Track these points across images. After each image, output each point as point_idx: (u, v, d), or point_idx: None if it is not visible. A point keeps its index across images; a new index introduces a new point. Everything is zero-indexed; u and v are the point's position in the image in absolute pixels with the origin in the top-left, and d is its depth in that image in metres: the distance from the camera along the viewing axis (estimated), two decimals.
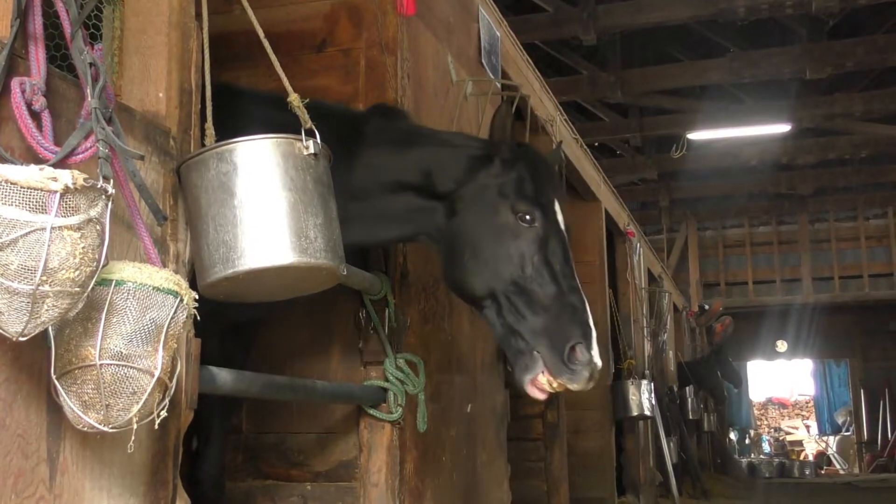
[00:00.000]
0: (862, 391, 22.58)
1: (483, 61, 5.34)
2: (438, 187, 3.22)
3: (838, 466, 23.39)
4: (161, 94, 2.43)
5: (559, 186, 3.38)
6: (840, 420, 24.96)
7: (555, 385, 2.90)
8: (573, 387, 2.87)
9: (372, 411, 3.76)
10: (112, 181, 1.88)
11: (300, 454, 3.96)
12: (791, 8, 11.34)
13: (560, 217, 3.19)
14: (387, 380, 3.77)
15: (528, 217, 3.07)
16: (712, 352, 16.62)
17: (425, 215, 3.27)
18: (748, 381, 25.48)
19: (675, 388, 13.42)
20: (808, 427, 27.28)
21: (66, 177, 1.70)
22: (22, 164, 1.74)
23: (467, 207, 3.15)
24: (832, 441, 24.67)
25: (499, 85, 5.50)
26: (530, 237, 3.05)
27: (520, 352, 2.98)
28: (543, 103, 7.01)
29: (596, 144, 16.38)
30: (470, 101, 4.99)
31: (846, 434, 24.21)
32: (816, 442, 25.68)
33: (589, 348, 2.88)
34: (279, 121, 2.62)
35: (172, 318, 1.96)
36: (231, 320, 3.50)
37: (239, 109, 3.26)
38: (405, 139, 3.39)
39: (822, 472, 22.56)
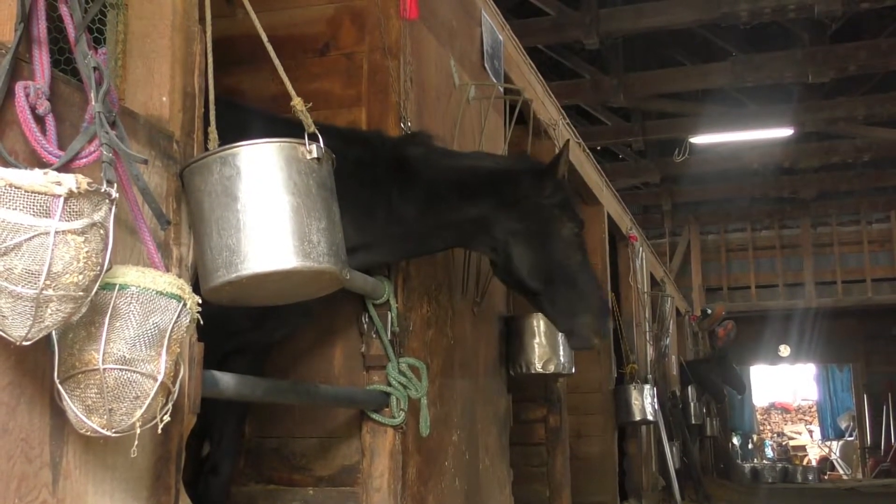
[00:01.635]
0: (865, 396, 22.52)
1: (486, 65, 5.35)
2: (508, 197, 3.79)
3: (841, 471, 23.33)
4: (164, 98, 2.43)
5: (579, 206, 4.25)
6: (843, 425, 24.91)
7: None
8: (598, 345, 4.10)
9: (374, 416, 3.76)
10: (116, 185, 1.88)
11: (302, 459, 3.95)
12: (794, 12, 11.33)
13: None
14: (389, 384, 3.76)
15: (576, 231, 3.90)
16: (714, 352, 16.63)
17: (481, 228, 3.81)
18: (751, 386, 25.45)
19: (678, 391, 13.41)
20: (811, 432, 27.24)
21: (69, 181, 1.70)
22: (26, 168, 1.74)
23: (528, 221, 3.80)
24: (835, 446, 24.61)
25: (501, 89, 5.50)
26: (577, 244, 3.91)
27: (571, 325, 3.90)
28: (546, 107, 7.00)
29: (598, 148, 16.38)
30: (473, 104, 4.99)
31: (849, 439, 24.15)
32: (819, 447, 25.63)
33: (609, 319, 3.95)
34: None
35: (176, 322, 1.96)
36: (255, 341, 3.59)
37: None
38: (468, 157, 4.09)
39: (826, 477, 22.49)
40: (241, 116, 3.41)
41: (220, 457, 3.70)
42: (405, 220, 3.62)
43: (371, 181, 3.56)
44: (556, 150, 7.07)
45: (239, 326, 3.41)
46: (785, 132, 15.60)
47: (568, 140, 4.24)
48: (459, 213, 3.75)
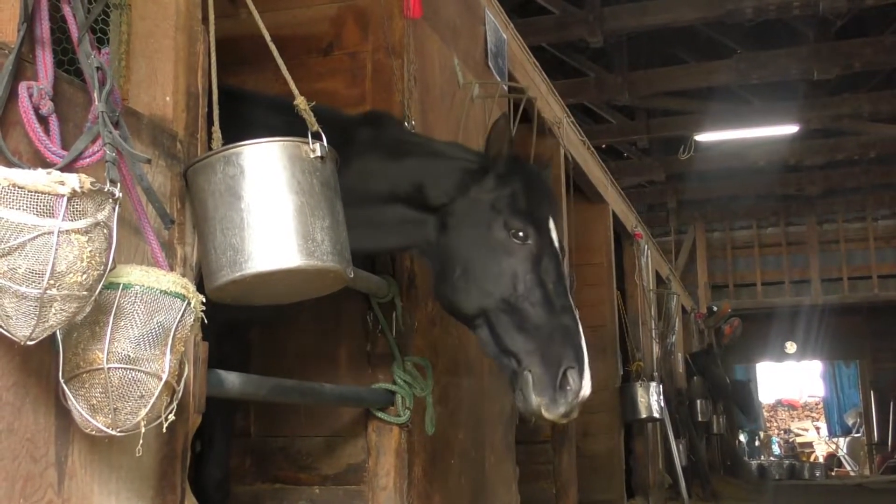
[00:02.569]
0: (872, 392, 22.49)
1: (490, 64, 5.34)
2: (430, 200, 3.16)
3: (849, 468, 23.29)
4: (168, 98, 2.43)
5: (555, 203, 3.32)
6: (850, 421, 24.87)
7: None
8: (549, 415, 2.82)
9: (380, 414, 3.76)
10: (119, 185, 1.88)
11: (308, 457, 3.96)
12: (798, 9, 11.31)
13: (554, 234, 3.13)
14: (395, 383, 3.77)
15: (521, 234, 3.02)
16: (718, 345, 16.67)
17: (417, 228, 3.21)
18: (758, 383, 25.43)
19: (685, 390, 13.41)
20: (818, 429, 27.18)
21: (73, 180, 1.70)
22: (29, 168, 1.74)
23: (459, 222, 3.09)
24: (842, 443, 24.57)
25: (505, 87, 5.50)
26: (523, 255, 3.00)
27: (513, 372, 2.93)
28: (550, 106, 7.00)
29: (603, 146, 16.34)
30: (477, 103, 4.99)
31: (856, 435, 24.11)
32: (826, 443, 25.58)
33: (581, 375, 2.83)
34: (276, 124, 2.60)
35: (180, 321, 1.96)
36: (228, 321, 3.47)
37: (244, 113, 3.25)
38: (397, 148, 3.33)
39: (833, 473, 22.47)
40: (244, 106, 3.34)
41: (211, 456, 3.67)
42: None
43: None
44: (562, 149, 7.12)
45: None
46: (790, 129, 15.58)
47: (502, 114, 3.31)
48: (387, 210, 3.21)
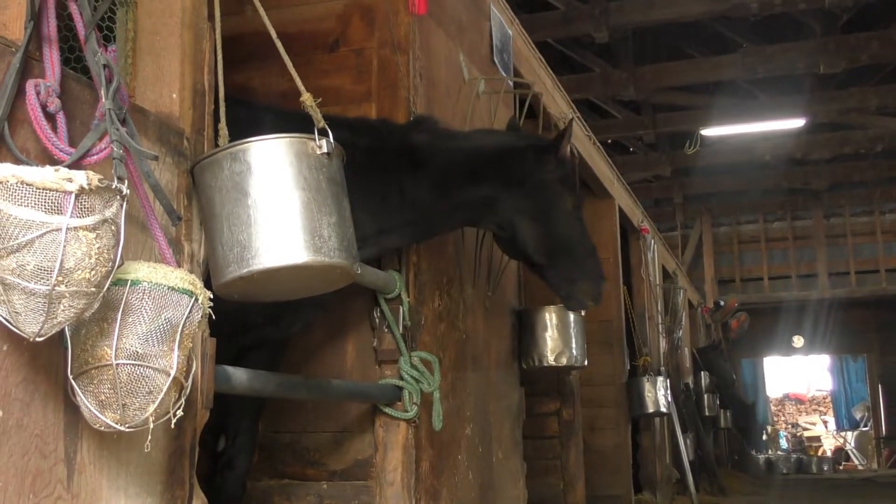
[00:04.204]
0: (880, 386, 22.42)
1: (495, 60, 5.34)
2: (508, 181, 3.86)
3: (856, 462, 23.24)
4: (174, 95, 2.44)
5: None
6: (858, 415, 24.82)
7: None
8: (594, 306, 4.23)
9: (387, 410, 3.77)
10: (126, 182, 1.89)
11: (316, 453, 3.97)
12: (804, 2, 11.28)
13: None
14: (402, 378, 3.77)
15: (577, 206, 4.06)
16: (725, 339, 16.67)
17: (488, 207, 3.88)
18: (765, 377, 25.40)
19: (692, 383, 13.40)
20: (825, 423, 27.14)
21: (81, 178, 1.71)
22: (37, 166, 1.75)
23: (533, 198, 3.90)
24: (850, 436, 24.52)
25: (511, 83, 5.50)
26: (577, 217, 4.05)
27: (570, 290, 4.07)
28: (556, 101, 7.00)
29: (609, 141, 16.34)
30: (482, 99, 4.99)
31: (864, 429, 24.06)
32: (834, 437, 25.54)
33: (604, 284, 4.23)
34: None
35: (188, 317, 1.97)
36: (270, 336, 3.60)
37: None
38: (469, 141, 4.00)
39: (841, 467, 22.42)
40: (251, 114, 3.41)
41: (235, 452, 3.71)
42: (418, 204, 3.67)
43: (381, 169, 3.61)
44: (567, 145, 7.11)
45: (255, 321, 3.43)
46: (797, 123, 15.53)
47: (572, 118, 4.60)
48: (469, 193, 3.81)
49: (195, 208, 2.48)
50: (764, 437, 24.12)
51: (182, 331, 1.95)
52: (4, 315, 1.71)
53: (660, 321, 11.15)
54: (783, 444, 25.65)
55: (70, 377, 1.87)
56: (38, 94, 1.89)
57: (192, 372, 2.08)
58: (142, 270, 1.93)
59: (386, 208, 3.59)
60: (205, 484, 2.64)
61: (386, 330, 3.81)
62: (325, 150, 2.49)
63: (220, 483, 3.65)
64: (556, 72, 7.25)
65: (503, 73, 5.42)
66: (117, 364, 1.86)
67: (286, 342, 3.87)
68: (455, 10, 4.78)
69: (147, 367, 1.89)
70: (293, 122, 2.81)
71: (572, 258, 4.05)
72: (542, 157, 3.96)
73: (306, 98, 2.67)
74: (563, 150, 4.01)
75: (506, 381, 5.24)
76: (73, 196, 1.69)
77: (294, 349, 3.98)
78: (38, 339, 1.73)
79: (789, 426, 27.63)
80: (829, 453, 24.15)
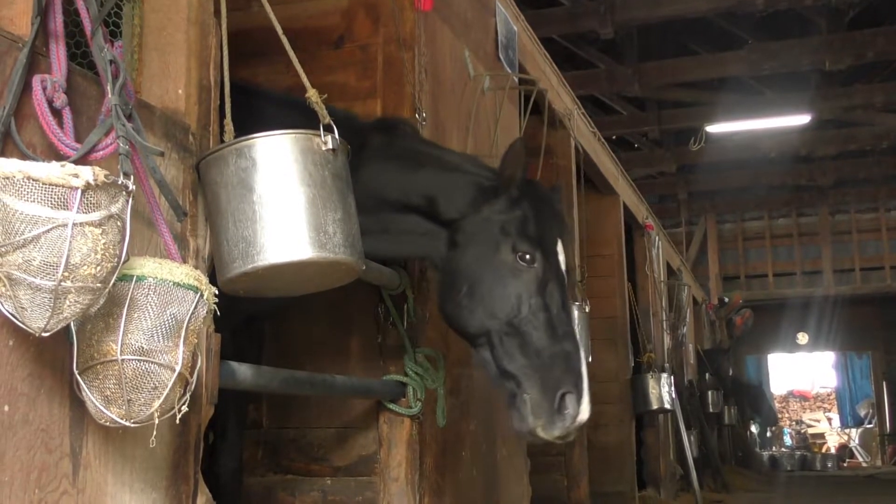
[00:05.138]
0: (884, 383, 22.40)
1: (500, 56, 5.34)
2: (442, 214, 3.18)
3: (861, 459, 23.24)
4: (180, 91, 2.44)
5: (564, 228, 3.33)
6: (862, 412, 24.79)
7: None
8: (545, 435, 2.88)
9: (391, 406, 3.77)
10: (132, 177, 1.89)
11: (320, 449, 3.97)
12: None
13: (562, 259, 3.16)
14: (406, 374, 3.77)
15: (528, 257, 3.04)
16: (729, 336, 16.66)
17: (430, 239, 3.23)
18: (769, 374, 25.38)
19: (696, 381, 13.39)
20: (829, 420, 27.10)
21: (87, 173, 1.71)
22: (43, 161, 1.75)
23: (468, 240, 3.11)
24: (854, 434, 24.51)
25: (516, 79, 5.49)
26: (529, 278, 3.02)
27: (512, 394, 2.97)
28: (561, 97, 6.99)
29: (614, 138, 16.30)
30: (487, 95, 4.98)
31: (868, 426, 24.04)
32: (838, 434, 25.52)
33: (579, 400, 2.89)
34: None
35: (193, 313, 1.97)
36: (244, 314, 3.50)
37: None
38: (413, 158, 3.34)
39: (845, 464, 22.41)
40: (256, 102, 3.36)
41: (224, 447, 3.69)
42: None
43: None
44: (572, 141, 7.11)
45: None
46: (802, 120, 15.51)
47: (519, 139, 3.27)
48: (398, 218, 3.24)
49: (200, 204, 2.49)
50: (768, 434, 24.13)
51: (187, 326, 1.95)
52: (10, 310, 1.71)
53: (664, 318, 11.14)
54: (787, 440, 25.64)
55: (75, 372, 1.88)
56: (44, 89, 1.90)
57: (198, 367, 2.08)
58: (147, 266, 1.93)
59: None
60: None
61: (390, 326, 3.81)
62: (330, 146, 2.49)
63: (215, 477, 3.62)
64: (560, 68, 7.25)
65: (508, 69, 5.41)
66: (123, 359, 1.86)
67: (262, 325, 3.83)
68: (460, 7, 4.78)
69: (152, 362, 1.89)
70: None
71: (515, 340, 2.96)
72: (490, 189, 3.15)
73: (312, 94, 2.67)
74: (509, 179, 3.10)
75: None
76: (79, 192, 1.69)
77: (298, 345, 3.99)
78: (43, 335, 1.74)
79: (793, 423, 27.60)
80: (833, 450, 24.14)
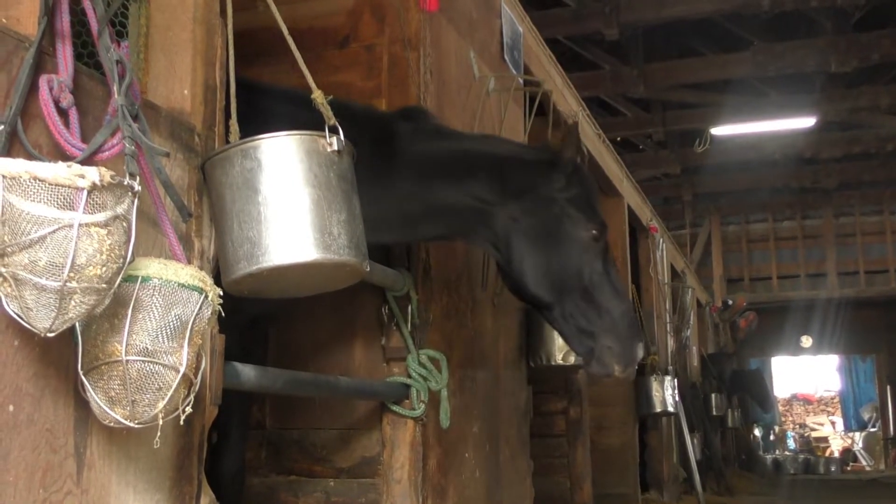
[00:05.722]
0: (888, 387, 22.35)
1: (505, 57, 5.33)
2: (497, 192, 3.37)
3: (864, 463, 23.21)
4: (186, 91, 2.44)
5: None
6: (866, 416, 24.77)
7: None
8: (621, 375, 3.42)
9: (394, 407, 3.77)
10: (138, 178, 1.89)
11: (323, 450, 3.97)
12: (816, 0, 11.23)
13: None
14: (409, 376, 3.77)
15: (595, 233, 3.40)
16: (733, 339, 16.62)
17: (481, 218, 3.40)
18: (773, 377, 25.35)
19: (699, 384, 13.38)
20: (833, 423, 27.08)
21: (93, 174, 1.71)
22: (49, 161, 1.75)
23: (535, 217, 3.36)
24: (858, 437, 24.48)
25: (521, 80, 5.49)
26: (597, 251, 3.41)
27: (589, 348, 3.41)
28: (566, 98, 6.99)
29: (618, 139, 16.29)
30: (492, 97, 4.98)
31: (872, 430, 24.01)
32: (842, 438, 25.49)
33: (640, 345, 3.47)
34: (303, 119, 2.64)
35: (197, 314, 1.97)
36: (248, 315, 3.51)
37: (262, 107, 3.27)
38: (459, 140, 3.55)
39: (848, 468, 22.38)
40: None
41: (226, 448, 3.69)
42: (390, 198, 3.29)
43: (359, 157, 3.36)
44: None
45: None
46: (807, 122, 15.48)
47: (576, 123, 3.65)
48: (452, 194, 3.37)
49: (206, 205, 2.49)
50: (772, 438, 24.11)
51: (192, 327, 1.95)
52: (16, 310, 1.71)
53: (668, 320, 11.13)
54: (791, 444, 25.62)
55: (80, 373, 1.88)
56: (51, 89, 1.89)
57: (202, 368, 2.08)
58: (152, 267, 1.93)
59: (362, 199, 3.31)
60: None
61: (394, 327, 3.81)
62: (335, 147, 2.49)
63: (218, 478, 3.62)
64: (565, 69, 7.24)
65: (513, 70, 5.41)
66: (127, 360, 1.86)
67: (263, 325, 3.85)
68: (466, 7, 4.78)
69: (157, 363, 1.89)
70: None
71: (589, 304, 3.37)
72: (548, 169, 3.39)
73: (317, 95, 2.66)
74: (568, 160, 3.40)
75: (513, 380, 5.23)
76: (85, 192, 1.69)
77: (302, 346, 3.99)
78: (49, 335, 1.73)
79: (797, 426, 27.59)
80: (836, 454, 24.11)
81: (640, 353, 3.46)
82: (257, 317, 3.62)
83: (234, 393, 3.30)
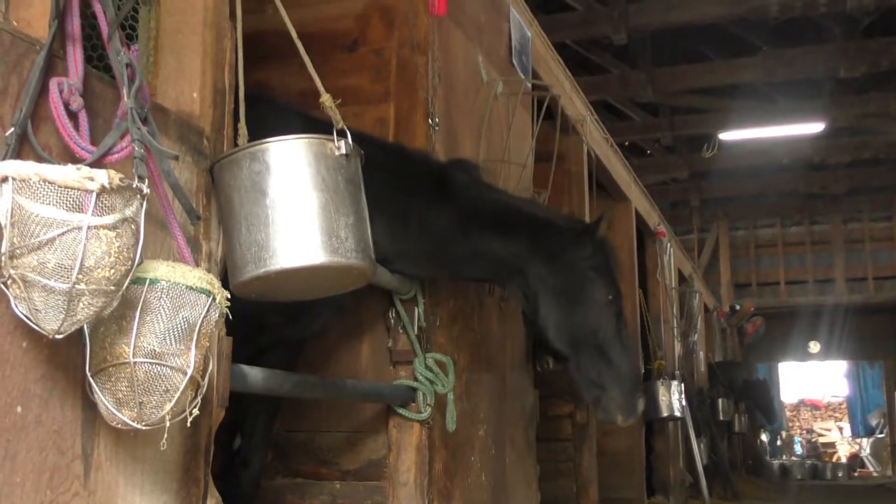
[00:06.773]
0: None
1: (514, 61, 5.34)
2: (531, 252, 3.74)
3: (871, 469, 23.12)
4: (195, 94, 2.45)
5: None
6: (874, 422, 24.67)
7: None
8: (623, 424, 3.92)
9: (401, 411, 3.77)
10: (147, 181, 1.90)
11: (329, 453, 3.97)
12: (825, 6, 11.21)
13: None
14: (416, 379, 3.77)
15: (611, 297, 3.82)
16: (740, 343, 16.59)
17: (513, 271, 3.77)
18: (780, 383, 25.28)
19: (706, 389, 13.35)
20: (840, 429, 26.99)
21: (102, 176, 1.71)
22: (59, 164, 1.76)
23: (563, 279, 3.75)
24: (865, 443, 24.39)
25: (529, 85, 5.49)
26: (612, 312, 3.83)
27: (597, 396, 3.85)
28: (574, 103, 6.98)
29: (626, 144, 16.28)
30: (500, 100, 4.98)
31: (880, 436, 23.92)
32: (849, 444, 25.40)
33: (641, 398, 3.95)
34: None
35: (205, 316, 1.98)
36: (289, 336, 3.61)
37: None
38: (509, 202, 3.93)
39: (855, 474, 22.31)
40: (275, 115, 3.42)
41: (250, 450, 3.73)
42: (437, 236, 3.60)
43: (408, 193, 3.59)
44: (585, 146, 7.11)
45: (273, 321, 3.43)
46: (816, 127, 15.44)
47: (608, 211, 4.22)
48: (491, 244, 3.69)
49: (214, 207, 2.49)
50: (779, 443, 24.05)
51: (199, 330, 1.96)
52: (25, 312, 1.72)
53: (675, 325, 11.11)
54: (798, 449, 25.54)
55: (88, 374, 1.88)
56: (61, 92, 1.90)
57: (209, 371, 2.08)
58: (160, 269, 1.94)
59: (405, 232, 3.56)
60: (219, 482, 2.65)
61: (401, 331, 3.81)
62: (343, 151, 2.50)
63: (235, 482, 3.67)
64: (573, 73, 7.24)
65: (521, 74, 5.41)
66: (135, 362, 1.86)
67: (303, 343, 3.88)
68: (474, 11, 4.78)
69: (164, 365, 1.90)
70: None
71: (600, 358, 3.80)
72: (578, 238, 3.80)
73: (325, 99, 2.67)
74: (599, 235, 3.84)
75: (520, 383, 5.23)
76: (94, 195, 1.70)
77: (310, 349, 3.99)
78: (57, 337, 1.74)
79: (804, 432, 27.50)
80: (843, 459, 24.02)
81: (641, 406, 3.93)
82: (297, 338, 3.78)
83: (261, 399, 3.44)
